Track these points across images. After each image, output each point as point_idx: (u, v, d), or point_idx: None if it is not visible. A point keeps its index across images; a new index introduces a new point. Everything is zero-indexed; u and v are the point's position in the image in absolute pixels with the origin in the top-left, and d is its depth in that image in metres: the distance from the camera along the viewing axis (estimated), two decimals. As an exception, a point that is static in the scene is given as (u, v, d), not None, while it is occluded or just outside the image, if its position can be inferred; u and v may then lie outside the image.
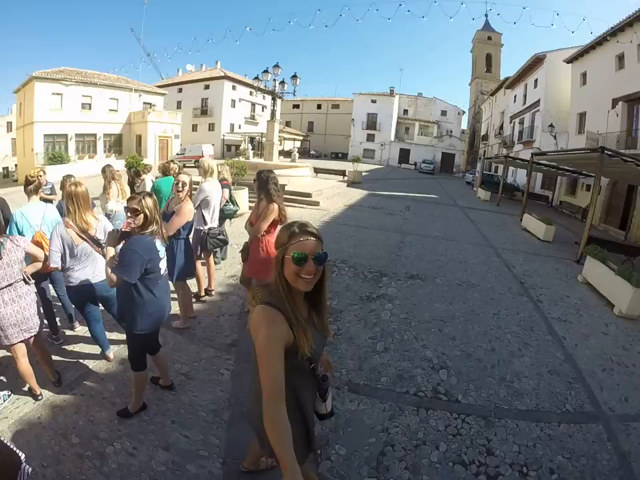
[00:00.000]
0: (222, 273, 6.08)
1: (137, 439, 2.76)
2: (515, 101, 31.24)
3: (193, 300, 4.78)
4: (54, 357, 3.60)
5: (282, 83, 15.98)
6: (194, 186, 4.63)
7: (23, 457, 2.00)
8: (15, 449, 2.01)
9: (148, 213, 2.69)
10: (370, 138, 47.98)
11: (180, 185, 3.97)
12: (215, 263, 5.97)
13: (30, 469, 2.02)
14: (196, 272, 4.83)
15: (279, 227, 3.89)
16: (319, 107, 54.36)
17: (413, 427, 3.03)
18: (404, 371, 3.76)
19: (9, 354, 3.35)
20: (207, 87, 40.68)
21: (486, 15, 31.21)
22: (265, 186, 3.94)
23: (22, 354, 3.08)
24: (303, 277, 1.42)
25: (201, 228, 4.84)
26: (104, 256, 3.08)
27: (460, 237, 9.91)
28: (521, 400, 3.50)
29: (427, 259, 7.46)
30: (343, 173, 21.50)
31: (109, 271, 2.63)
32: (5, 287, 2.87)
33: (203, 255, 5.04)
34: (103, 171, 5.96)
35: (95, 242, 3.31)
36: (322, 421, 1.83)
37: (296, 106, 53.99)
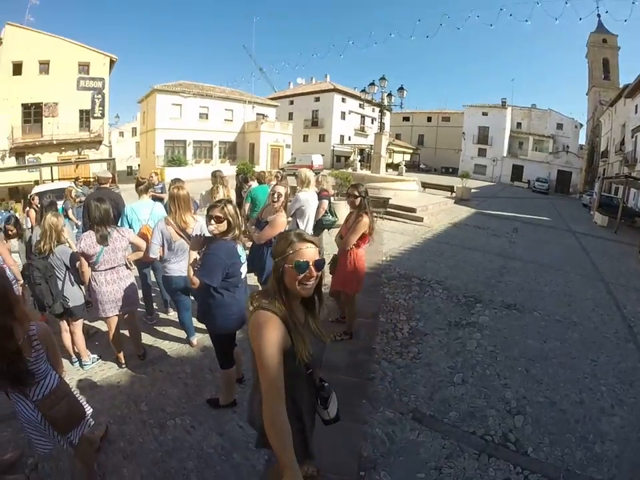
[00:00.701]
0: (315, 282, 6.29)
1: (197, 420, 3.03)
2: (636, 112, 26.41)
3: None
4: (145, 335, 4.23)
5: (389, 95, 16.15)
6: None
7: (90, 411, 2.41)
8: (85, 403, 2.41)
9: (231, 219, 2.86)
10: (481, 153, 45.30)
11: (275, 195, 4.06)
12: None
13: (92, 422, 2.44)
14: None
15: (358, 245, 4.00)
16: (429, 119, 52.91)
17: (469, 472, 2.77)
18: (477, 408, 3.46)
19: (104, 327, 3.98)
20: (317, 100, 42.17)
21: (598, 15, 28.05)
22: (357, 199, 3.99)
23: (114, 326, 3.66)
24: (304, 283, 1.50)
25: None
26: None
27: (569, 266, 8.88)
28: (598, 467, 2.94)
29: (528, 288, 6.81)
30: (451, 189, 20.72)
31: (192, 272, 2.85)
32: (109, 269, 3.50)
33: None
34: (213, 175, 6.44)
35: (190, 239, 3.67)
36: (327, 425, 1.84)
37: (406, 118, 53.13)
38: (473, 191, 22.28)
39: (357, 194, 3.97)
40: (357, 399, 3.39)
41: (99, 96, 26.60)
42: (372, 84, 15.50)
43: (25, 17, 27.77)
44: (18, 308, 2.07)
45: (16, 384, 2.06)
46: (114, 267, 3.52)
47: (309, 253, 1.51)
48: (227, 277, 2.79)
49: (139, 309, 4.85)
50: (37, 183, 19.60)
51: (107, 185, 5.84)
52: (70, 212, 6.95)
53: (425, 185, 20.80)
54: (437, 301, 5.79)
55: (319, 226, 5.77)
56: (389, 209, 12.51)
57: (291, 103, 44.69)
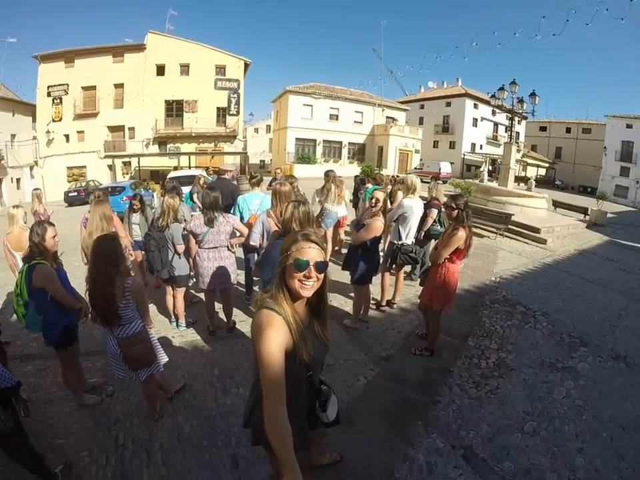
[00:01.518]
0: (413, 290, 5.98)
1: (259, 394, 3.44)
2: None
3: (373, 307, 5.11)
4: (239, 312, 4.86)
5: (520, 101, 15.08)
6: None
7: (164, 360, 3.01)
8: (163, 353, 3.02)
9: (294, 225, 2.96)
10: (623, 172, 36.96)
11: (374, 200, 4.20)
12: (412, 279, 6.28)
13: (162, 369, 3.02)
14: (382, 281, 5.12)
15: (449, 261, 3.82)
16: (568, 130, 45.72)
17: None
18: (536, 467, 2.99)
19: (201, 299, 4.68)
20: (448, 104, 40.84)
21: None
22: (454, 211, 3.81)
23: (210, 299, 4.32)
24: (303, 282, 1.51)
25: (395, 242, 5.04)
26: None
27: None
28: None
29: (647, 341, 5.48)
30: (584, 211, 18.61)
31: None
32: (212, 247, 4.09)
33: (393, 268, 5.22)
34: (326, 174, 6.78)
35: None
36: (327, 428, 1.87)
37: (542, 128, 47.67)
38: (609, 215, 19.42)
39: (454, 205, 3.78)
40: (414, 418, 3.30)
41: (235, 95, 29.56)
42: (501, 88, 14.70)
43: (165, 25, 32.22)
44: (122, 264, 2.71)
45: (106, 321, 2.66)
46: (217, 247, 4.09)
47: (310, 252, 1.53)
48: None
49: (240, 288, 5.41)
50: (175, 168, 22.70)
51: (226, 176, 6.43)
52: (195, 196, 7.96)
53: (556, 204, 18.93)
54: (536, 335, 5.20)
55: (427, 236, 5.74)
56: (510, 226, 11.75)
57: (422, 107, 43.90)
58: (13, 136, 27.74)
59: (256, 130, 53.27)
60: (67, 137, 28.75)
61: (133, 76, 28.21)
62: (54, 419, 3.28)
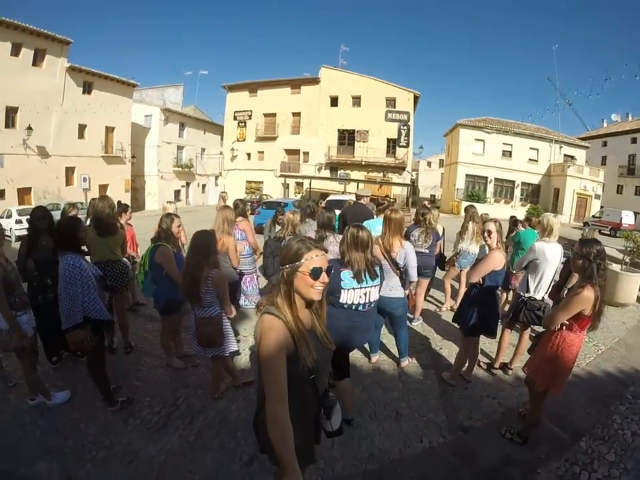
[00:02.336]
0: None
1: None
2: None
3: (483, 366, 4.37)
4: None
5: None
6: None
7: (232, 348, 3.46)
8: (234, 341, 3.49)
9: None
10: None
11: (486, 232, 3.80)
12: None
13: (227, 354, 3.48)
14: (501, 338, 4.29)
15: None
16: None
17: None
18: None
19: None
20: (633, 141, 34.00)
21: None
22: (580, 260, 2.89)
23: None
24: (316, 288, 1.60)
25: (521, 294, 4.16)
26: (397, 275, 3.78)
27: None
28: None
29: None
30: None
31: None
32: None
33: (517, 325, 4.35)
34: (465, 210, 6.54)
35: (393, 262, 3.77)
36: (329, 438, 1.88)
37: None
38: None
39: (581, 253, 2.87)
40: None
41: (404, 127, 30.13)
42: None
43: (339, 60, 35.35)
44: (212, 257, 3.24)
45: (190, 300, 3.27)
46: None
47: (322, 260, 1.62)
48: (330, 293, 2.93)
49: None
50: (342, 193, 23.99)
51: (362, 201, 6.45)
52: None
53: None
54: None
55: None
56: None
57: (604, 144, 37.43)
58: (203, 150, 35.38)
59: (428, 164, 54.08)
60: (248, 155, 33.98)
61: (308, 106, 31.32)
62: (143, 366, 4.17)
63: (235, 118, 34.13)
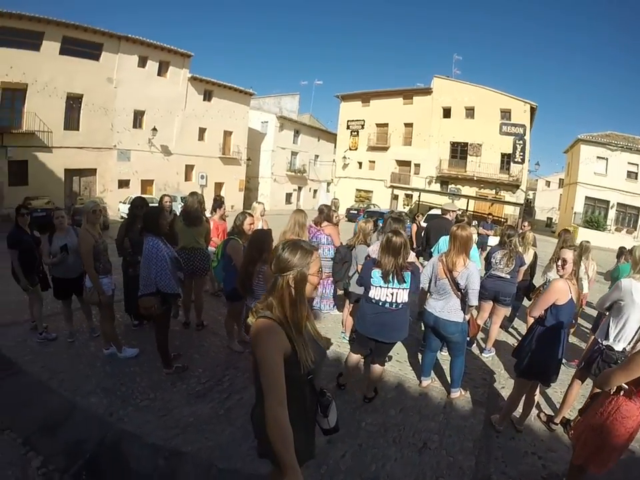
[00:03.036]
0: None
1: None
2: None
3: (543, 417, 3.74)
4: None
5: None
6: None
7: None
8: None
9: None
10: None
11: (560, 261, 3.34)
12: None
13: None
14: (568, 390, 3.63)
15: None
16: None
17: None
18: None
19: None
20: None
21: None
22: None
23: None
24: (316, 285, 1.75)
25: (599, 340, 3.36)
26: (458, 297, 3.65)
27: None
28: None
29: None
30: None
31: None
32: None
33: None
34: (559, 234, 5.69)
35: (454, 282, 3.62)
36: (326, 435, 1.87)
37: None
38: None
39: None
40: None
41: (520, 141, 28.28)
42: None
43: (451, 70, 34.71)
44: (265, 253, 3.53)
45: (242, 291, 3.70)
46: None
47: (320, 260, 1.75)
48: (362, 285, 3.60)
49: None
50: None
51: (447, 216, 6.37)
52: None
53: None
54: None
55: None
56: None
57: None
58: (317, 156, 36.88)
59: (547, 183, 50.58)
60: (359, 164, 35.17)
61: (420, 117, 31.27)
62: (207, 343, 4.77)
63: (347, 127, 35.57)
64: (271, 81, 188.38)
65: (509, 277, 4.97)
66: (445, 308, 3.66)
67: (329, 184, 38.23)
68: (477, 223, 14.31)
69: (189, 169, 26.16)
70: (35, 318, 4.69)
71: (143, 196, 9.20)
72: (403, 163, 33.10)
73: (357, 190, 35.54)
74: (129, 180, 22.87)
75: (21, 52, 17.50)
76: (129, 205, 5.14)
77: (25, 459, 2.75)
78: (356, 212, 25.37)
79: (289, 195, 34.60)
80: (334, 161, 37.37)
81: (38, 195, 16.41)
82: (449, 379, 4.09)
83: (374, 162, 34.37)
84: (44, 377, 3.80)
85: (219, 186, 27.41)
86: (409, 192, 31.43)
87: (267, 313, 1.60)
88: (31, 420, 3.18)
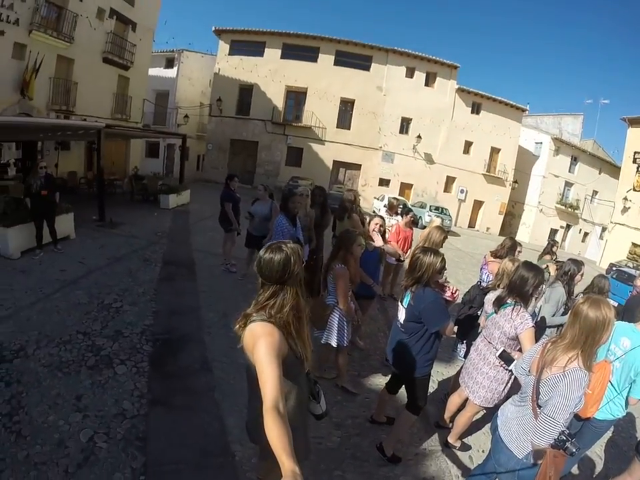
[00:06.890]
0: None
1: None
2: None
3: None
4: None
5: None
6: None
7: (336, 340, 3.59)
8: (342, 335, 3.60)
9: None
10: None
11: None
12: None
13: (332, 345, 3.62)
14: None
15: None
16: None
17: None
18: None
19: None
20: None
21: None
22: None
23: None
24: None
25: None
26: (535, 417, 2.20)
27: None
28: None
29: None
30: None
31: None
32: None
33: None
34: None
35: (536, 388, 2.81)
36: (319, 420, 2.00)
37: None
38: None
39: None
40: None
41: None
42: None
43: None
44: (343, 252, 3.56)
45: (323, 286, 3.79)
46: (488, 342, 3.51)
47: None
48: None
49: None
50: None
51: None
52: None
53: None
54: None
55: None
56: None
57: None
58: (595, 192, 29.94)
59: None
60: None
61: None
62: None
63: (634, 160, 25.05)
64: (550, 98, 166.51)
65: None
66: (513, 422, 2.20)
67: (604, 229, 28.30)
68: None
69: (449, 180, 26.09)
70: (225, 253, 6.87)
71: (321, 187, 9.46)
72: None
73: (632, 244, 24.68)
74: (390, 180, 25.15)
75: (302, 63, 23.77)
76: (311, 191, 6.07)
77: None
78: (623, 273, 17.32)
79: (553, 231, 28.93)
80: (614, 202, 27.32)
81: (305, 177, 20.32)
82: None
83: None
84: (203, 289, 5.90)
85: (477, 203, 26.52)
86: None
87: (260, 316, 1.64)
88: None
